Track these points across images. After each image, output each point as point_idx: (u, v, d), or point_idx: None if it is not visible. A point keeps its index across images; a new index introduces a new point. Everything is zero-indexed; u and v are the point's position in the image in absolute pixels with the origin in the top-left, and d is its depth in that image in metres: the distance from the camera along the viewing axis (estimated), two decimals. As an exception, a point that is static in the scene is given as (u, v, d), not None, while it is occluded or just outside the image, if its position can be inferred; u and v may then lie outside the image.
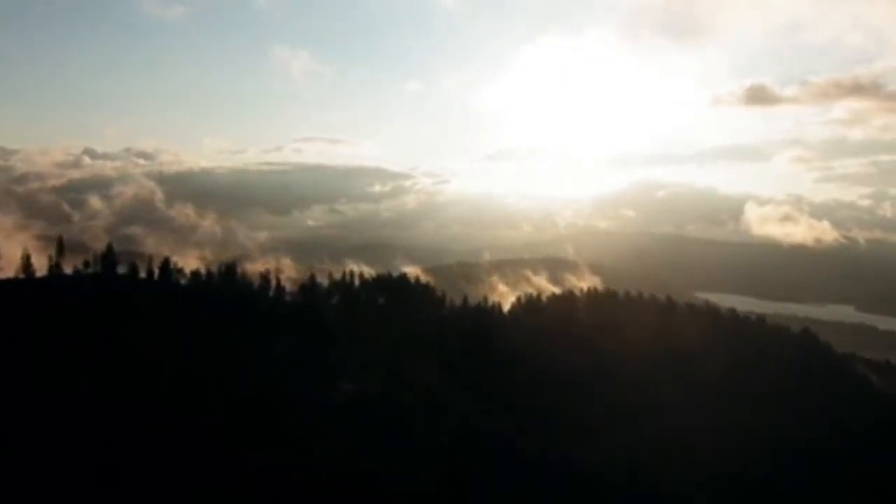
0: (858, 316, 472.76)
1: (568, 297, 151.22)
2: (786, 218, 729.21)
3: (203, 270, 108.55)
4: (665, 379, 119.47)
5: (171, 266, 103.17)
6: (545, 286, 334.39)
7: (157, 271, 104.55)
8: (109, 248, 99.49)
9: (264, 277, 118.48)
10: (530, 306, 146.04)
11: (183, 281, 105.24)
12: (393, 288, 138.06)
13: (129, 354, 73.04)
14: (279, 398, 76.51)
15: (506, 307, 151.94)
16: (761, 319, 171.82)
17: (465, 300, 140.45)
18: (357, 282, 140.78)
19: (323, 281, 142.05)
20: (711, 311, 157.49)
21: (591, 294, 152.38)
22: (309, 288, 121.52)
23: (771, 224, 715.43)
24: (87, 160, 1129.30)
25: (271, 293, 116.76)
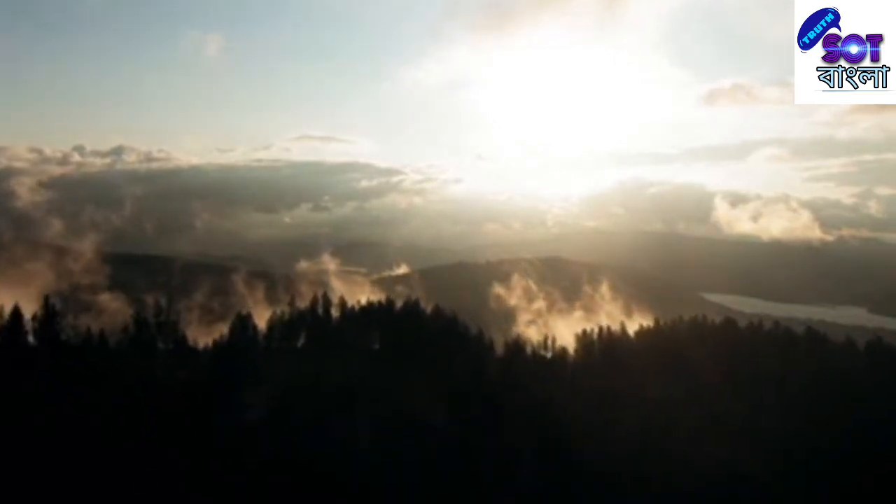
0: (876, 319, 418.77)
1: (665, 332, 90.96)
2: (775, 216, 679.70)
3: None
4: None
5: None
6: (557, 290, 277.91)
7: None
8: None
9: (153, 323, 56.90)
10: (608, 347, 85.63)
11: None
12: (392, 325, 77.51)
13: None
14: None
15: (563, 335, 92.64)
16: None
17: (513, 345, 79.25)
18: (335, 313, 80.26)
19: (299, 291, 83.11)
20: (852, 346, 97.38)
21: (698, 325, 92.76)
22: (237, 334, 59.85)
23: (761, 222, 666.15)
24: (76, 157, 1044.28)
25: (160, 352, 55.37)
